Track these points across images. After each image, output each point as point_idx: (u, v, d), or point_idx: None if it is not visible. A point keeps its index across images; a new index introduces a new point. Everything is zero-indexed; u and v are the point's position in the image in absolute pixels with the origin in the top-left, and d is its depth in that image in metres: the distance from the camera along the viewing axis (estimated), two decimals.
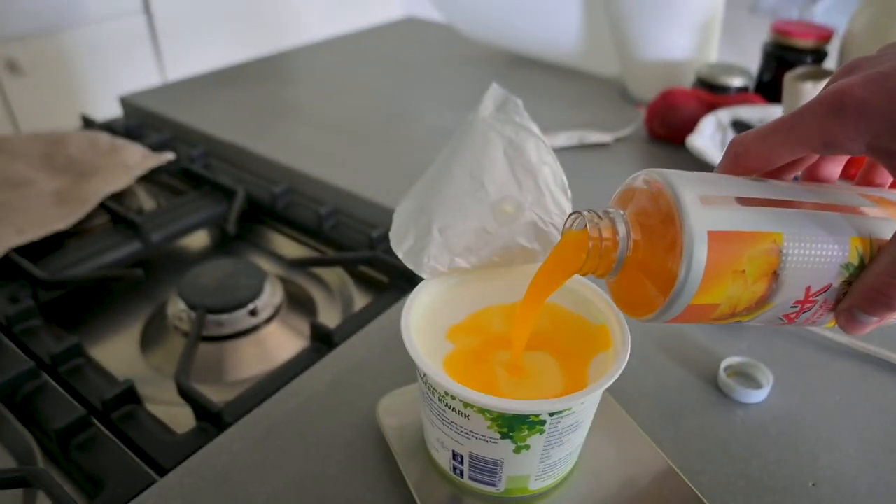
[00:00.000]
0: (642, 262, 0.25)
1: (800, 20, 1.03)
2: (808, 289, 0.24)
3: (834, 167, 0.29)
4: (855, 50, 0.69)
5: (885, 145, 0.23)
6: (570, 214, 0.27)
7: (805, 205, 0.25)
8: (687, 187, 0.23)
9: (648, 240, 0.25)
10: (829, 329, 0.43)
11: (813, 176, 0.29)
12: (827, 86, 0.24)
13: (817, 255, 0.24)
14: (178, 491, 0.33)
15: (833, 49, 0.74)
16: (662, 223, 0.24)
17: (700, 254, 0.22)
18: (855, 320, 0.25)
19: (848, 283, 0.25)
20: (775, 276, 0.23)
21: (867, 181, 0.29)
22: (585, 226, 0.26)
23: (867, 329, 0.25)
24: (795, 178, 0.29)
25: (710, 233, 0.23)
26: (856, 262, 0.24)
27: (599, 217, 0.26)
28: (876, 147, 0.23)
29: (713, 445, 0.36)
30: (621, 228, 0.25)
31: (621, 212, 0.26)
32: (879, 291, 0.24)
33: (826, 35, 0.73)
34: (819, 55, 0.74)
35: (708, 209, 0.23)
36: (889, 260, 0.24)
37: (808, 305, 0.25)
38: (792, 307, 0.25)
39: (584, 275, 0.27)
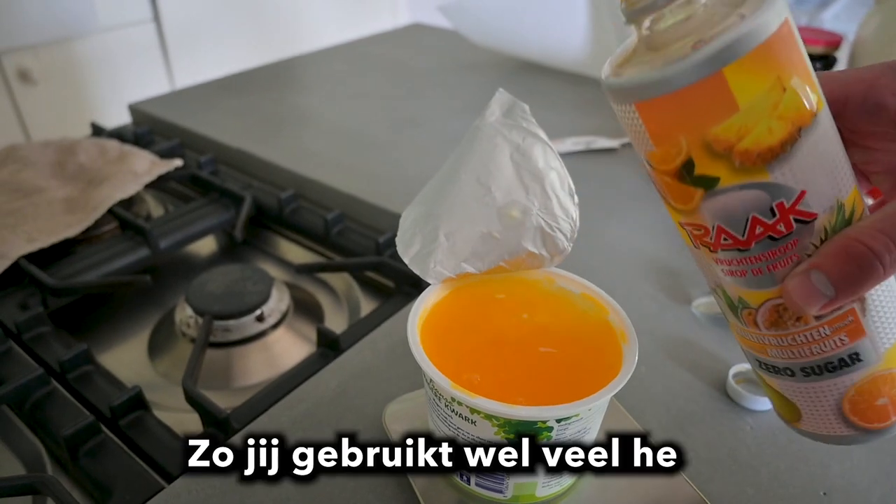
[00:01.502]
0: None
1: (808, 26, 1.03)
2: (804, 193, 0.21)
3: None
4: (864, 56, 0.68)
5: None
6: None
7: None
8: None
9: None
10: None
11: None
12: None
13: (832, 160, 0.21)
14: (186, 497, 0.33)
15: (842, 55, 0.74)
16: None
17: (771, 18, 0.20)
18: (809, 284, 0.21)
19: (822, 240, 0.22)
20: (798, 133, 0.21)
21: None
22: None
23: (813, 304, 0.21)
24: None
25: (787, 19, 0.20)
26: (848, 208, 0.22)
27: None
28: None
29: (722, 453, 0.36)
30: None
31: None
32: (862, 242, 0.20)
33: (835, 41, 0.73)
34: (828, 61, 0.74)
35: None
36: (882, 216, 0.21)
37: (782, 229, 0.22)
38: (772, 212, 0.21)
39: None
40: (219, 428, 0.38)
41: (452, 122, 0.79)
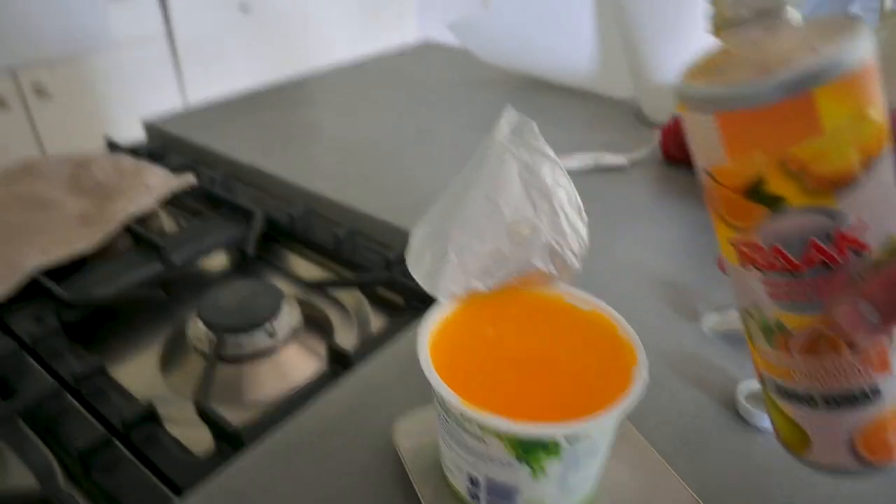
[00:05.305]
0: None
1: None
2: (863, 225, 0.21)
3: None
4: None
5: None
6: None
7: None
8: None
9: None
10: None
11: None
12: None
13: (892, 196, 0.21)
14: None
15: None
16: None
17: (864, 48, 0.20)
18: (856, 312, 0.22)
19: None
20: (870, 163, 0.21)
21: None
22: None
23: (860, 331, 0.22)
24: None
25: (872, 57, 0.20)
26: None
27: None
28: None
29: (734, 472, 0.35)
30: None
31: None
32: None
33: None
34: None
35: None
36: None
37: (837, 257, 0.22)
38: (829, 238, 0.22)
39: None
40: (230, 443, 0.39)
41: (462, 139, 0.80)
